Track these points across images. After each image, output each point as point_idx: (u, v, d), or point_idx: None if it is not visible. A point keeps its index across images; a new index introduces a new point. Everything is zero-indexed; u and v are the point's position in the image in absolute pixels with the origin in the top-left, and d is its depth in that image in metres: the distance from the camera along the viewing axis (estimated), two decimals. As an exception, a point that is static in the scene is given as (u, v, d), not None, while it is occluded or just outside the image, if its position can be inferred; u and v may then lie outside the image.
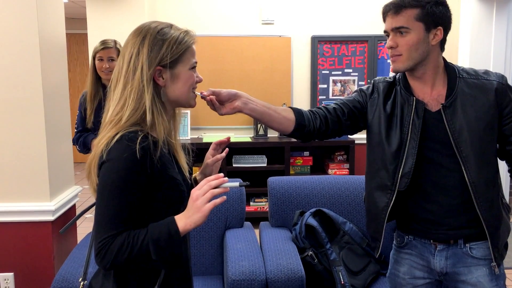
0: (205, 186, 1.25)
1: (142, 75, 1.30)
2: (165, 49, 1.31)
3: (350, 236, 2.54)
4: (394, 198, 1.62)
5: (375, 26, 4.85)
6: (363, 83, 4.92)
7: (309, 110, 1.70)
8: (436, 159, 1.60)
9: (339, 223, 2.57)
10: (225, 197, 1.27)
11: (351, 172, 4.66)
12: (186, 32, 1.37)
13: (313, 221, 2.49)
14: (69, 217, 2.62)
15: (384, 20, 1.61)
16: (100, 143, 1.29)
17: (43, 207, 2.38)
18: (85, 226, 4.37)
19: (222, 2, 4.83)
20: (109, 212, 1.24)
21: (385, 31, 1.61)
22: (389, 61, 4.90)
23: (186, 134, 4.72)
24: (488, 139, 1.58)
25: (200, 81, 1.42)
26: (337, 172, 4.67)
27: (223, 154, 1.57)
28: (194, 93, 1.41)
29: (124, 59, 1.33)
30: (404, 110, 1.62)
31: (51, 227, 2.40)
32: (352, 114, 1.70)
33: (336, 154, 4.77)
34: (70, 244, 2.70)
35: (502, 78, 1.61)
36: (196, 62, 1.39)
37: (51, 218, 2.39)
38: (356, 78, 4.94)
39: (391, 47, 1.58)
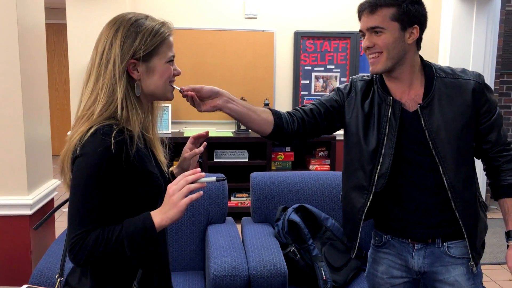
0: (182, 181, 1.23)
1: (115, 68, 1.26)
2: (138, 41, 1.27)
3: (332, 232, 2.55)
4: (370, 198, 1.62)
5: (358, 23, 4.85)
6: (345, 79, 4.94)
7: (287, 112, 1.67)
8: (414, 159, 1.60)
9: (321, 219, 2.57)
10: (201, 192, 1.26)
11: (332, 168, 4.68)
12: (162, 24, 1.33)
13: (295, 217, 2.49)
14: (47, 211, 2.57)
15: (360, 19, 1.59)
16: (73, 137, 1.26)
17: (21, 200, 2.32)
18: (63, 221, 4.29)
19: (205, -5, 4.79)
20: (83, 207, 1.22)
21: (360, 31, 1.59)
22: (371, 58, 4.92)
23: (167, 128, 4.67)
24: (466, 139, 1.58)
25: (178, 74, 1.38)
26: (318, 168, 4.69)
27: (201, 148, 1.56)
28: (172, 86, 1.38)
29: (97, 52, 1.30)
30: (381, 110, 1.61)
31: (28, 221, 2.35)
32: (329, 114, 1.68)
33: (318, 150, 4.78)
34: (48, 239, 2.64)
35: (479, 77, 1.61)
36: (173, 56, 1.35)
37: (28, 212, 2.34)
38: (338, 74, 4.95)
39: (368, 47, 1.56)
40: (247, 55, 4.84)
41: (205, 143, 1.58)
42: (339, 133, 4.92)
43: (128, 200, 1.28)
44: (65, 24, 4.33)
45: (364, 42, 1.57)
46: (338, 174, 2.86)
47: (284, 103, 4.95)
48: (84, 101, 1.30)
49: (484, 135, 1.61)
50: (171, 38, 1.35)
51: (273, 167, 4.70)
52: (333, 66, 4.94)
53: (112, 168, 1.22)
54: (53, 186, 2.64)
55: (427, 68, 1.62)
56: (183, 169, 1.56)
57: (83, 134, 1.24)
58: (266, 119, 1.60)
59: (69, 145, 1.27)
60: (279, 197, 2.72)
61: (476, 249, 1.62)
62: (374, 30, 1.54)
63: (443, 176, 1.56)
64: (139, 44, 1.27)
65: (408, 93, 1.61)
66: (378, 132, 1.60)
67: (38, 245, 2.47)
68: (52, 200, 2.69)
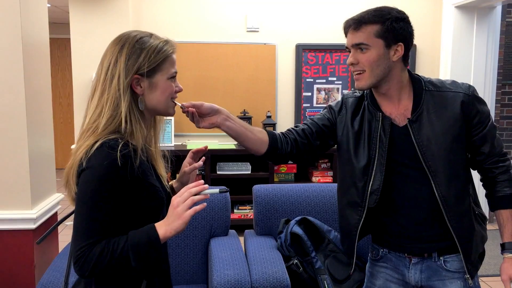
0: (186, 193, 1.26)
1: (119, 83, 1.30)
2: (143, 57, 1.31)
3: (335, 245, 2.54)
4: (364, 215, 1.62)
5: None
6: (347, 91, 4.95)
7: (281, 132, 1.69)
8: (406, 173, 1.60)
9: (324, 231, 2.57)
10: (205, 204, 1.28)
11: (335, 180, 4.68)
12: (166, 42, 1.37)
13: (298, 230, 2.49)
14: (51, 225, 2.57)
15: (346, 36, 1.60)
16: (79, 151, 1.28)
17: (24, 215, 2.33)
18: (66, 234, 4.29)
19: (208, 9, 4.83)
20: (88, 219, 1.23)
21: (346, 47, 1.60)
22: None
23: (169, 141, 4.69)
24: (456, 152, 1.57)
25: (180, 90, 1.42)
26: (321, 180, 4.69)
27: (200, 162, 1.58)
28: (174, 102, 1.41)
29: (102, 68, 1.33)
30: (372, 126, 1.62)
31: (32, 236, 2.35)
32: (322, 133, 1.70)
33: (320, 162, 4.78)
34: (51, 253, 2.65)
35: (469, 89, 1.59)
36: (175, 72, 1.39)
37: (32, 226, 2.34)
38: (340, 86, 4.97)
39: (351, 64, 1.57)
40: (249, 68, 4.86)
41: (203, 157, 1.61)
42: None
43: (132, 212, 1.29)
44: (69, 39, 4.38)
45: (349, 59, 1.58)
46: (341, 186, 2.86)
47: (286, 116, 4.97)
48: (90, 115, 1.33)
49: (477, 146, 1.60)
50: (174, 56, 1.39)
51: (275, 179, 4.70)
52: (334, 78, 4.96)
53: (117, 181, 1.24)
54: (57, 200, 2.65)
55: (416, 82, 1.61)
56: (182, 183, 1.58)
57: (89, 148, 1.26)
58: (262, 139, 1.62)
59: (74, 158, 1.29)
60: (281, 210, 2.72)
61: (472, 262, 1.61)
62: (359, 46, 1.54)
63: (434, 190, 1.55)
64: (143, 60, 1.31)
65: (398, 108, 1.61)
66: (369, 148, 1.61)
67: (42, 259, 2.47)
68: (55, 214, 2.70)
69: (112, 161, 1.23)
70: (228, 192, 2.68)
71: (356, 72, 1.57)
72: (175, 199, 1.26)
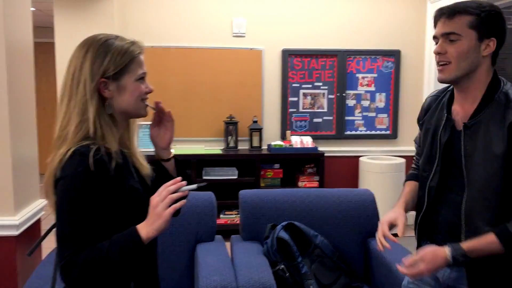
0: (164, 192, 1.26)
1: (85, 88, 1.29)
2: (108, 60, 1.30)
3: (321, 249, 2.55)
4: (424, 209, 1.67)
5: (345, 41, 4.93)
6: (333, 96, 4.98)
7: (415, 174, 1.81)
8: (452, 175, 1.59)
9: (310, 236, 2.57)
10: (184, 201, 1.28)
11: (321, 184, 4.69)
12: (132, 43, 1.36)
13: (284, 235, 2.49)
14: (34, 231, 2.54)
15: (435, 25, 1.55)
16: (53, 161, 1.28)
17: (7, 221, 2.29)
18: (50, 241, 4.23)
19: (193, 14, 4.82)
20: (69, 228, 1.23)
21: (434, 36, 1.56)
22: (358, 75, 4.98)
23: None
24: (498, 174, 1.46)
25: (149, 91, 1.40)
26: (307, 185, 4.69)
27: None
28: (145, 103, 1.40)
29: (68, 73, 1.33)
30: (438, 126, 1.63)
31: (15, 242, 2.32)
32: None
33: (306, 166, 4.79)
34: (35, 260, 2.61)
35: None
36: (144, 73, 1.37)
37: (15, 232, 2.31)
38: (326, 91, 4.99)
39: (438, 53, 1.52)
40: (235, 73, 4.86)
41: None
42: (327, 150, 4.90)
43: (113, 216, 1.29)
44: (53, 43, 4.34)
45: (436, 48, 1.53)
46: (327, 191, 2.87)
47: (272, 120, 4.98)
48: (59, 123, 1.32)
49: None
50: (141, 57, 1.37)
51: (262, 184, 4.69)
52: (320, 84, 4.98)
53: (93, 187, 1.24)
54: (40, 206, 2.62)
55: (491, 87, 1.53)
56: (156, 146, 1.53)
57: (62, 157, 1.26)
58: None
59: (50, 168, 1.29)
60: (268, 215, 2.72)
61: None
62: (448, 36, 1.50)
63: (463, 200, 1.53)
64: (108, 63, 1.30)
65: (467, 110, 1.56)
66: (431, 146, 1.65)
67: (25, 267, 2.43)
68: (39, 220, 2.66)
69: (86, 168, 1.23)
70: (213, 195, 2.70)
71: (441, 63, 1.53)
72: (154, 199, 1.26)
